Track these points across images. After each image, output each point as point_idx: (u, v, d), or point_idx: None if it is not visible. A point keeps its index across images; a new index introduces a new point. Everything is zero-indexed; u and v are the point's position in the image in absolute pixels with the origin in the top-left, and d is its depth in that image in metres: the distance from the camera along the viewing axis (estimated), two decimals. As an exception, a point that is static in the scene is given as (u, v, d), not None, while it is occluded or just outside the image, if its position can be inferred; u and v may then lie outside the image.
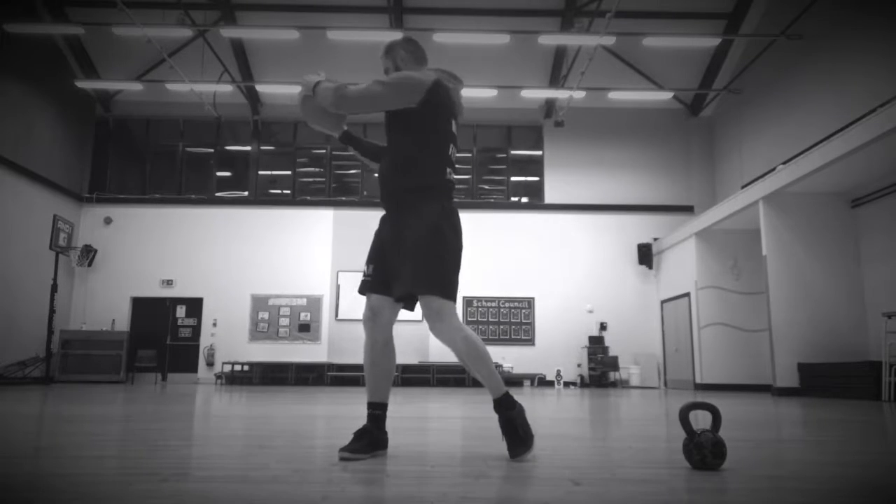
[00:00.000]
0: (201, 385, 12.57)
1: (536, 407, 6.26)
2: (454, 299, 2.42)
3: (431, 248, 2.36)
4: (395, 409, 5.66)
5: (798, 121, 11.99)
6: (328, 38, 12.59)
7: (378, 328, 2.52)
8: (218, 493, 1.76)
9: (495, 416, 2.46)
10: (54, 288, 12.90)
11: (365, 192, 15.85)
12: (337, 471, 2.12)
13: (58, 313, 13.22)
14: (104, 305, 14.64)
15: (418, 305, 2.50)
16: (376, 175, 2.69)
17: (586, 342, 14.63)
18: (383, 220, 2.59)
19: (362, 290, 2.58)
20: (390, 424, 3.52)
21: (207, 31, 13.70)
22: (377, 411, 2.50)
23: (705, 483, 1.97)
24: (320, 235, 15.22)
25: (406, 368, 13.91)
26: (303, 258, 15.05)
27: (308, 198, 15.66)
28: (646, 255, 14.92)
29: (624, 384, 14.40)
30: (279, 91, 15.13)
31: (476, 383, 13.67)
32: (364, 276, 2.57)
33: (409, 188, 2.48)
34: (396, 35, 13.98)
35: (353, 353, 14.29)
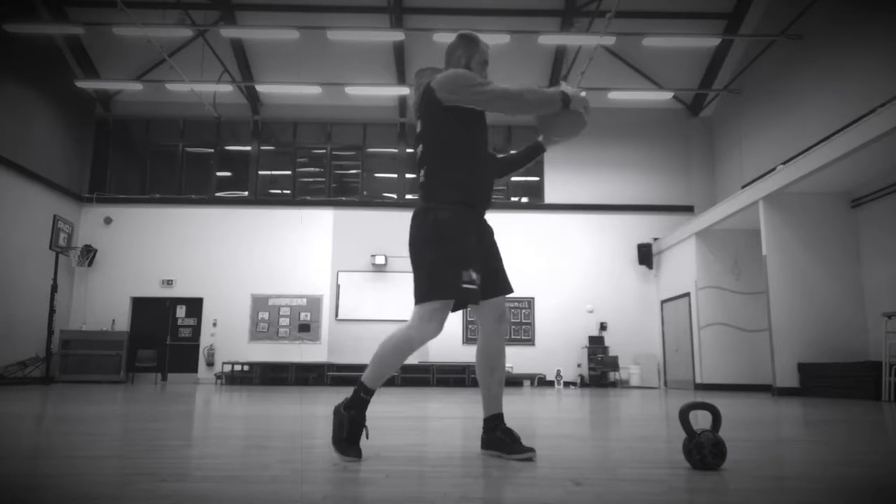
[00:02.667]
0: (201, 385, 12.57)
1: (536, 407, 6.26)
2: None
3: None
4: (396, 409, 5.66)
5: (798, 120, 11.99)
6: (328, 38, 12.58)
7: (439, 334, 2.44)
8: (217, 493, 1.76)
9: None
10: (54, 288, 12.90)
11: (365, 192, 15.85)
12: (337, 471, 2.12)
13: (58, 313, 13.23)
14: (104, 305, 14.64)
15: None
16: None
17: (586, 342, 14.63)
18: (465, 223, 2.42)
19: (475, 300, 2.36)
20: (391, 424, 3.51)
21: (207, 31, 13.71)
22: (370, 398, 2.43)
23: (705, 483, 1.96)
24: (320, 235, 15.22)
25: (406, 368, 13.90)
26: (303, 258, 15.05)
27: (308, 198, 15.66)
28: (646, 255, 14.91)
29: (624, 384, 14.40)
30: (279, 91, 15.14)
31: (476, 383, 13.65)
32: (471, 283, 2.33)
33: None
34: (397, 35, 14.04)
35: (354, 353, 14.29)
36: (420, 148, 2.56)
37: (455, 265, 2.33)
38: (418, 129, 2.58)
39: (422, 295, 2.38)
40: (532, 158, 2.88)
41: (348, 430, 2.36)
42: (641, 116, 15.70)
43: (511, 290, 2.59)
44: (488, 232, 2.60)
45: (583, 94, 2.55)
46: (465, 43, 2.65)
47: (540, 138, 2.82)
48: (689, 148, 15.83)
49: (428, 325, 2.36)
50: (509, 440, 2.44)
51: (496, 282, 2.53)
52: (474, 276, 2.34)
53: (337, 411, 2.40)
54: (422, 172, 2.53)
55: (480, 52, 2.66)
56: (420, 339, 2.38)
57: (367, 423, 2.45)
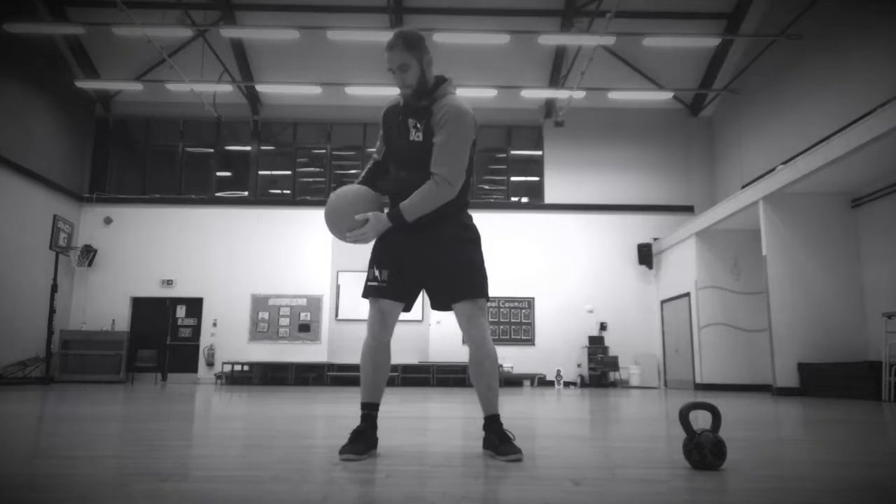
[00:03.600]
0: (201, 385, 12.57)
1: (537, 407, 6.26)
2: None
3: None
4: (396, 409, 5.66)
5: (798, 121, 11.99)
6: (328, 38, 12.58)
7: (387, 331, 2.56)
8: (218, 493, 1.76)
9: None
10: (54, 288, 12.90)
11: (365, 192, 15.82)
12: (337, 471, 2.12)
13: (58, 313, 13.23)
14: (104, 305, 14.64)
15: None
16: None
17: (586, 342, 14.63)
18: (396, 231, 2.51)
19: (381, 295, 2.53)
20: (391, 424, 3.51)
21: (207, 31, 13.70)
22: (373, 412, 2.53)
23: (705, 483, 1.96)
24: (320, 235, 15.21)
25: (406, 368, 13.91)
26: (303, 258, 15.05)
27: (308, 198, 15.66)
28: (646, 255, 14.91)
29: (624, 384, 14.40)
30: (279, 91, 15.14)
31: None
32: (373, 280, 2.55)
33: None
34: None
35: (354, 353, 14.26)
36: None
37: (369, 266, 2.58)
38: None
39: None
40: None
41: (351, 435, 2.46)
42: (641, 116, 15.69)
43: (471, 295, 2.48)
44: (434, 241, 2.52)
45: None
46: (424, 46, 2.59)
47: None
48: (689, 148, 15.83)
49: (368, 324, 2.57)
50: (498, 440, 2.45)
51: (443, 287, 2.54)
52: (377, 273, 2.53)
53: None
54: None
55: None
56: (370, 338, 2.55)
57: (355, 422, 2.55)
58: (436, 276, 2.54)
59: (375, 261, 2.57)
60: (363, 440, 2.43)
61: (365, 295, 2.55)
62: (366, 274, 2.60)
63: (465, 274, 2.51)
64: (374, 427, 2.52)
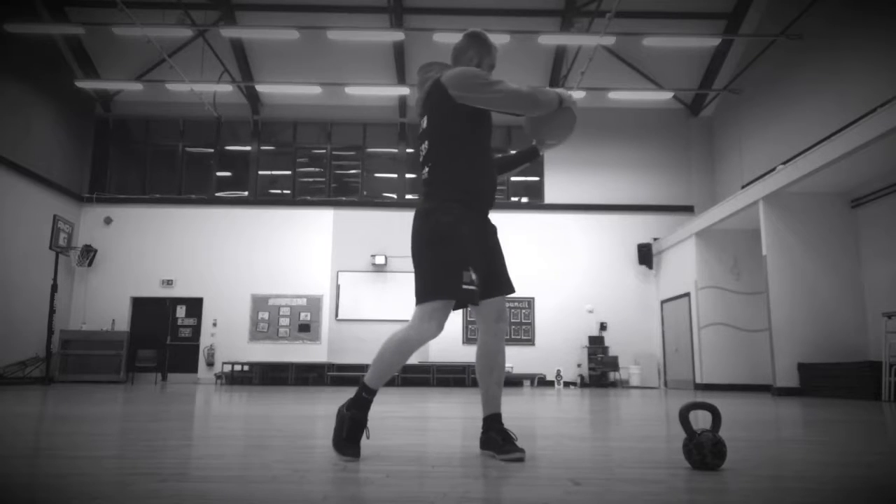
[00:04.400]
0: (201, 385, 12.57)
1: (536, 407, 6.26)
2: None
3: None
4: (396, 409, 5.66)
5: (798, 121, 11.99)
6: (328, 38, 12.59)
7: (439, 334, 2.43)
8: (217, 493, 1.76)
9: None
10: (54, 288, 12.90)
11: (365, 192, 15.85)
12: (337, 471, 2.12)
13: (58, 313, 13.22)
14: (104, 305, 14.64)
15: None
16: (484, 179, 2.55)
17: (586, 342, 14.63)
18: (468, 223, 2.42)
19: (475, 300, 2.35)
20: (391, 424, 3.52)
21: (207, 31, 13.71)
22: (372, 398, 2.43)
23: (705, 483, 1.96)
24: (320, 235, 15.22)
25: (406, 368, 13.90)
26: (303, 258, 15.05)
27: (308, 198, 15.66)
28: (646, 255, 14.91)
29: (624, 384, 14.40)
30: (279, 91, 15.14)
31: (476, 383, 13.65)
32: (470, 284, 2.33)
33: None
34: (397, 35, 14.03)
35: (354, 353, 14.29)
36: (425, 145, 2.52)
37: (455, 266, 2.32)
38: (424, 126, 2.54)
39: (422, 295, 2.38)
40: (526, 161, 2.86)
41: (348, 429, 2.36)
42: (641, 116, 15.70)
43: (512, 290, 2.57)
44: (491, 232, 2.59)
45: (570, 93, 2.61)
46: (478, 44, 2.62)
47: (533, 142, 2.78)
48: (689, 148, 15.83)
49: (427, 325, 2.35)
50: (501, 440, 2.44)
51: (496, 282, 2.53)
52: (473, 276, 2.34)
53: (339, 412, 2.41)
54: (426, 170, 2.51)
55: (492, 55, 2.64)
56: (419, 338, 2.37)
57: (369, 423, 2.46)
58: (490, 269, 2.50)
59: (471, 259, 2.37)
60: (356, 440, 2.40)
61: (465, 302, 2.34)
62: (441, 266, 2.34)
63: (506, 267, 2.59)
64: (367, 414, 2.45)
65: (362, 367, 13.80)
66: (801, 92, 11.98)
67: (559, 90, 2.55)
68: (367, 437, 2.45)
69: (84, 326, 14.30)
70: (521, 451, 2.37)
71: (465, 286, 2.31)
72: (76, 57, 14.58)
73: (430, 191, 2.47)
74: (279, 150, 16.16)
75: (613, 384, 14.31)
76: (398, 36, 13.34)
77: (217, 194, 15.76)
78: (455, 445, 2.97)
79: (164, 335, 14.80)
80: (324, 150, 16.08)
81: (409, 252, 2.52)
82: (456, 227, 2.37)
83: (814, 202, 10.16)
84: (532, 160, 2.87)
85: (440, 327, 2.39)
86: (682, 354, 13.43)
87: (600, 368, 14.29)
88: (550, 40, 13.37)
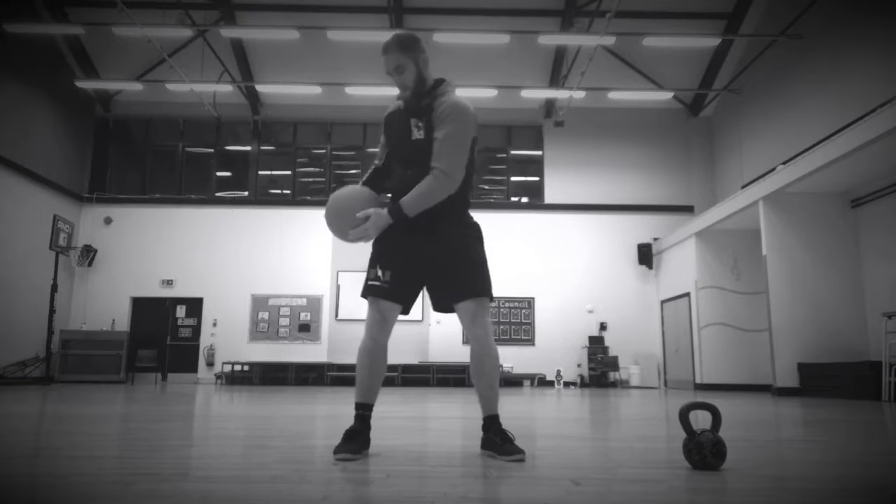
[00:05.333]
0: (201, 385, 12.58)
1: (536, 407, 6.26)
2: None
3: None
4: (396, 409, 5.66)
5: (798, 120, 11.99)
6: (328, 38, 12.58)
7: (385, 333, 2.56)
8: (218, 493, 1.76)
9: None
10: (54, 288, 12.90)
11: (365, 192, 15.82)
12: (337, 471, 2.12)
13: (58, 313, 13.23)
14: (104, 305, 14.64)
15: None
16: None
17: (586, 342, 14.63)
18: (396, 228, 2.51)
19: (382, 295, 2.52)
20: (391, 424, 3.53)
21: (207, 31, 13.70)
22: (367, 413, 2.52)
23: (705, 483, 1.97)
24: (320, 235, 15.21)
25: (406, 368, 13.91)
26: (303, 258, 15.05)
27: (308, 198, 15.66)
28: (646, 255, 14.91)
29: (624, 384, 14.40)
30: (279, 91, 15.14)
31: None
32: (374, 280, 2.53)
33: None
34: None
35: (354, 353, 14.08)
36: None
37: (369, 266, 2.57)
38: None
39: None
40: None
41: (345, 434, 2.46)
42: (641, 116, 15.69)
43: (478, 293, 2.49)
44: (435, 239, 2.51)
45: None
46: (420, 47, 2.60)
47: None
48: (689, 148, 15.83)
49: (366, 324, 2.57)
50: (500, 440, 2.45)
51: (457, 287, 2.52)
52: (380, 273, 2.51)
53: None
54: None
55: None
56: (367, 338, 2.55)
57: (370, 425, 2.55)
58: (440, 275, 2.53)
59: (377, 260, 2.55)
60: (358, 440, 2.43)
61: (364, 294, 2.54)
62: (365, 273, 2.60)
63: (470, 272, 2.52)
64: (368, 427, 2.52)
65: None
66: (801, 92, 11.98)
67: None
68: (366, 448, 2.51)
69: (84, 326, 14.30)
70: (522, 451, 2.38)
71: (369, 282, 2.54)
72: (76, 57, 14.58)
73: None
74: (279, 150, 16.16)
75: (613, 384, 14.31)
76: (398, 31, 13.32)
77: (217, 194, 15.76)
78: (455, 445, 2.97)
79: (164, 335, 14.79)
80: (324, 150, 16.08)
81: None
82: (388, 227, 2.51)
83: (814, 202, 10.16)
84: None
85: (379, 325, 2.53)
86: (682, 354, 13.43)
87: (600, 368, 14.29)
88: (550, 40, 13.37)
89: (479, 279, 2.52)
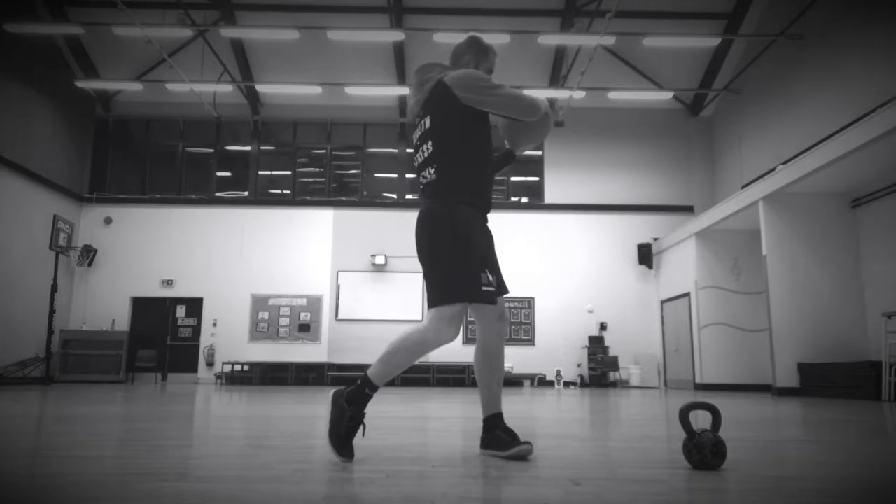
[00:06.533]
0: (201, 385, 12.57)
1: (536, 407, 6.26)
2: None
3: None
4: (396, 409, 5.66)
5: (798, 120, 11.99)
6: (328, 38, 12.59)
7: (456, 338, 2.42)
8: (218, 493, 1.76)
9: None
10: (54, 288, 12.90)
11: (365, 192, 15.85)
12: (337, 471, 2.12)
13: (58, 313, 13.23)
14: (104, 305, 14.64)
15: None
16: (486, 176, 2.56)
17: (586, 342, 14.63)
18: (478, 225, 2.45)
19: (493, 301, 2.38)
20: (391, 424, 3.52)
21: (207, 31, 13.70)
22: (373, 394, 2.39)
23: (705, 483, 1.96)
24: (320, 235, 15.22)
25: (406, 368, 13.88)
26: (303, 258, 15.05)
27: (308, 198, 15.66)
28: (646, 255, 14.91)
29: (624, 384, 14.40)
30: (279, 91, 15.14)
31: (476, 383, 13.64)
32: (489, 285, 2.36)
33: None
34: (397, 35, 14.02)
35: (354, 353, 14.29)
36: (428, 145, 2.47)
37: (474, 269, 2.32)
38: (427, 126, 2.49)
39: (441, 298, 2.33)
40: (505, 164, 2.86)
41: (347, 427, 2.31)
42: (641, 116, 15.70)
43: (507, 291, 2.60)
44: (490, 234, 2.61)
45: (547, 102, 2.59)
46: (476, 49, 2.64)
47: (507, 145, 2.81)
48: (689, 148, 15.83)
49: (448, 330, 2.32)
50: (510, 438, 2.46)
51: (501, 284, 2.56)
52: (491, 278, 2.37)
53: (337, 401, 2.34)
54: (431, 170, 2.45)
55: (489, 60, 2.64)
56: (437, 342, 2.34)
57: (366, 420, 2.43)
58: (495, 273, 2.52)
59: (484, 262, 2.39)
60: (353, 437, 2.38)
61: (478, 300, 2.33)
62: (460, 268, 2.32)
63: (501, 270, 2.61)
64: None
65: (362, 367, 13.78)
66: (801, 92, 11.98)
67: (541, 99, 2.55)
68: (363, 436, 2.46)
69: (84, 326, 14.30)
70: (528, 443, 2.41)
71: (484, 288, 2.32)
72: (76, 57, 14.58)
73: (437, 192, 2.43)
74: (279, 150, 16.16)
75: (613, 384, 14.31)
76: (398, 36, 13.34)
77: (217, 194, 15.76)
78: (455, 445, 2.97)
79: (164, 335, 14.80)
80: (324, 150, 16.07)
81: (409, 252, 2.56)
82: (472, 229, 2.38)
83: (814, 202, 10.16)
84: (510, 163, 2.90)
85: (459, 331, 2.37)
86: (682, 354, 13.43)
87: (600, 368, 14.29)
88: (550, 40, 13.37)
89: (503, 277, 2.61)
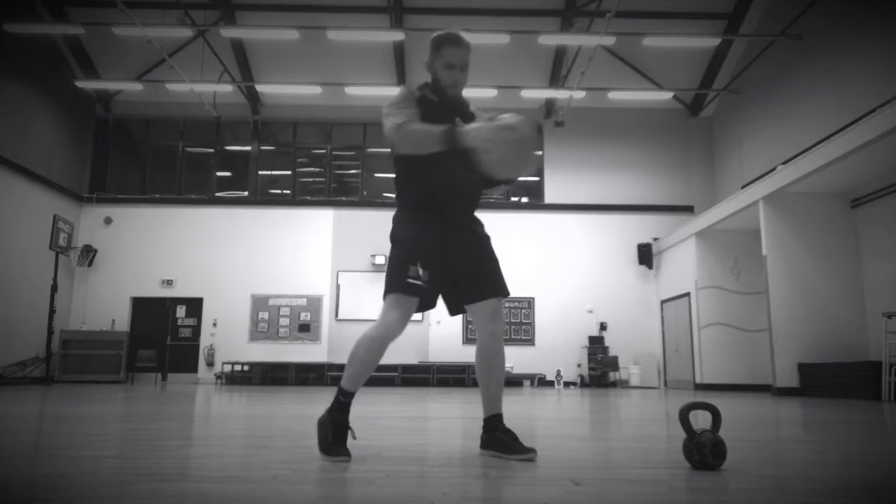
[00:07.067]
0: (201, 385, 12.58)
1: (536, 407, 6.26)
2: None
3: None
4: (395, 409, 5.66)
5: (798, 120, 11.99)
6: (328, 38, 12.59)
7: (402, 329, 2.48)
8: (218, 493, 1.76)
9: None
10: (54, 288, 12.90)
11: (365, 192, 15.85)
12: (337, 471, 2.12)
13: (58, 313, 13.22)
14: (104, 305, 14.64)
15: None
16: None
17: (586, 342, 14.63)
18: (423, 227, 2.46)
19: (419, 294, 2.40)
20: (391, 424, 3.52)
21: (207, 31, 13.70)
22: (350, 401, 2.47)
23: (705, 483, 1.97)
24: (320, 235, 15.21)
25: (406, 368, 13.91)
26: (303, 258, 15.05)
27: (308, 198, 15.66)
28: (646, 255, 14.91)
29: (624, 384, 14.40)
30: (279, 91, 15.14)
31: (476, 383, 13.65)
32: (414, 278, 2.38)
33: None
34: (397, 35, 14.00)
35: (353, 353, 14.27)
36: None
37: (400, 263, 2.42)
38: None
39: (384, 291, 2.48)
40: (490, 186, 2.66)
41: (333, 433, 2.40)
42: (641, 116, 15.70)
43: (504, 293, 2.57)
44: (472, 237, 2.56)
45: (498, 121, 2.25)
46: (431, 47, 2.55)
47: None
48: (689, 148, 15.83)
49: (388, 320, 2.41)
50: (510, 440, 2.46)
51: (484, 284, 2.54)
52: (420, 272, 2.40)
53: (320, 422, 2.45)
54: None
55: (442, 56, 2.50)
56: (385, 334, 2.41)
57: (354, 423, 2.48)
58: (473, 274, 2.54)
59: (419, 256, 2.41)
60: (344, 439, 2.42)
61: (402, 291, 2.38)
62: (393, 264, 2.43)
63: (497, 271, 2.60)
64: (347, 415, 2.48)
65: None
66: (801, 92, 11.98)
67: (463, 127, 2.24)
68: (354, 438, 2.48)
69: (84, 326, 14.30)
70: (532, 450, 2.40)
71: (408, 279, 2.39)
72: (76, 57, 14.58)
73: (396, 204, 2.63)
74: (279, 150, 16.16)
75: (613, 384, 14.31)
76: (398, 36, 13.34)
77: (217, 194, 15.76)
78: (455, 445, 2.97)
79: (164, 335, 14.80)
80: (324, 150, 16.07)
81: None
82: (405, 226, 2.50)
83: (814, 202, 10.16)
84: (495, 186, 2.67)
85: (401, 321, 2.43)
86: (682, 354, 13.43)
87: (600, 368, 14.29)
88: (550, 40, 13.38)
89: (502, 278, 2.61)
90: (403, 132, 2.35)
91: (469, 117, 2.52)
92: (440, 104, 2.51)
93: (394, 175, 2.61)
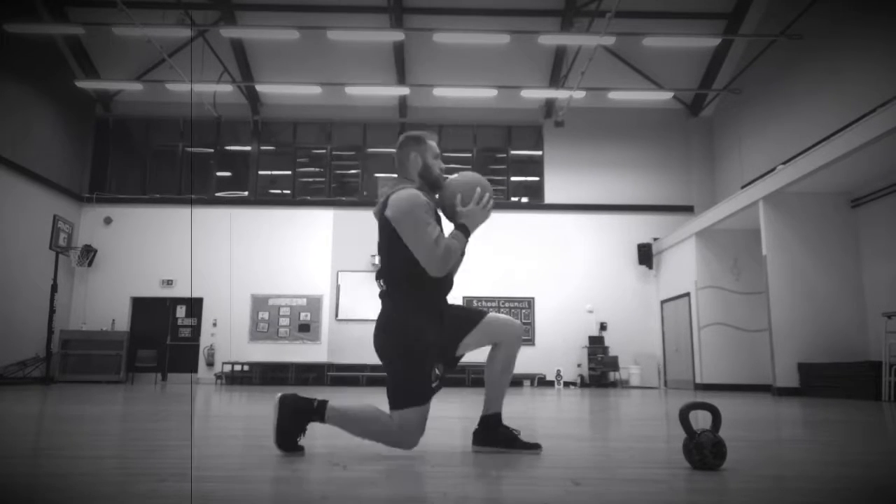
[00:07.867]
0: (201, 385, 12.58)
1: (536, 407, 6.26)
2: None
3: None
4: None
5: (798, 120, 11.99)
6: (328, 38, 12.58)
7: (417, 443, 2.52)
8: (218, 493, 1.76)
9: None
10: (54, 288, 12.90)
11: (365, 192, 15.85)
12: (337, 471, 2.12)
13: (58, 313, 13.22)
14: (104, 305, 14.64)
15: None
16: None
17: (586, 342, 14.63)
18: (431, 324, 2.51)
19: (437, 390, 2.50)
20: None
21: (207, 31, 13.71)
22: (322, 422, 2.53)
23: (705, 483, 1.97)
24: (320, 235, 15.21)
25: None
26: (303, 258, 15.05)
27: (308, 198, 15.66)
28: (646, 255, 14.91)
29: (624, 384, 14.40)
30: (279, 91, 15.14)
31: (476, 383, 13.66)
32: (436, 380, 2.48)
33: None
34: (397, 35, 13.98)
35: (353, 353, 14.28)
36: (377, 260, 2.60)
37: (425, 374, 2.41)
38: (378, 239, 2.55)
39: (399, 401, 2.42)
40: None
41: (296, 423, 2.45)
42: (641, 116, 15.69)
43: (482, 313, 2.61)
44: (452, 310, 2.67)
45: (476, 193, 2.52)
46: (412, 144, 2.57)
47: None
48: (689, 148, 15.83)
49: (410, 438, 2.43)
50: (513, 436, 2.57)
51: (466, 321, 2.59)
52: (437, 372, 2.47)
53: (284, 403, 2.45)
54: (381, 283, 2.54)
55: (429, 147, 2.58)
56: (398, 443, 2.44)
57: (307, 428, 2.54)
58: (454, 318, 2.59)
59: (436, 359, 2.49)
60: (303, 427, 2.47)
61: (428, 399, 2.43)
62: (414, 376, 2.41)
63: (466, 307, 2.72)
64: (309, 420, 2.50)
65: (362, 367, 13.81)
66: (801, 92, 11.97)
67: (463, 210, 2.52)
68: (300, 439, 2.49)
69: (84, 326, 14.30)
70: (538, 445, 2.55)
71: (433, 384, 2.45)
72: (76, 57, 14.58)
73: (392, 304, 2.50)
74: (279, 150, 16.16)
75: (613, 384, 14.31)
76: (398, 36, 13.34)
77: (217, 194, 15.76)
78: (455, 445, 2.97)
79: (164, 335, 14.80)
80: (324, 150, 16.07)
81: (379, 356, 2.55)
82: (421, 337, 2.43)
83: (814, 202, 10.16)
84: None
85: (421, 435, 2.45)
86: (682, 354, 13.43)
87: (600, 368, 14.29)
88: (550, 40, 13.37)
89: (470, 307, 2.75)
90: (443, 249, 2.40)
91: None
92: (432, 201, 2.57)
93: (385, 279, 2.51)
